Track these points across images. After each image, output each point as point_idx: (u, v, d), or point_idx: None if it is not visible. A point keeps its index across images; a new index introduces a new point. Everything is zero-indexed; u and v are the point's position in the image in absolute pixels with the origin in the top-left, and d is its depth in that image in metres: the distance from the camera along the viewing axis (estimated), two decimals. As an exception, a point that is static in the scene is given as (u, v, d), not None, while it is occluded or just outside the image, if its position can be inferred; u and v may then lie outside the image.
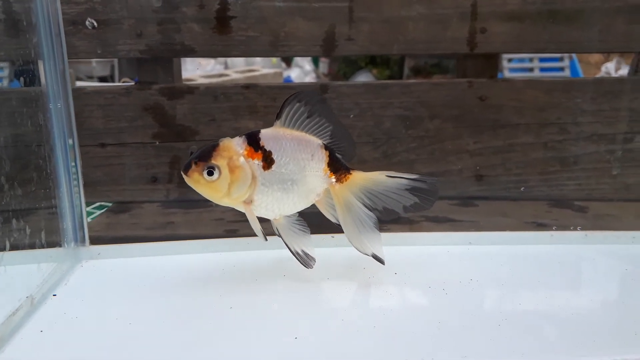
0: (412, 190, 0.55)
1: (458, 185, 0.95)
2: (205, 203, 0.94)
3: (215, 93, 0.94)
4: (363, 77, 2.50)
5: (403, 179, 0.55)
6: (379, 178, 0.56)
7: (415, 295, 0.57)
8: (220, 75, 2.59)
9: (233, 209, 0.92)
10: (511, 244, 0.69)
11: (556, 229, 0.71)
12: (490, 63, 0.94)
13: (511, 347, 0.47)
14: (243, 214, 0.89)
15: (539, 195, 0.94)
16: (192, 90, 0.95)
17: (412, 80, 0.93)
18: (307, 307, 0.55)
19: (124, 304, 0.56)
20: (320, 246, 0.63)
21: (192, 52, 0.93)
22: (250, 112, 0.95)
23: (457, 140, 0.94)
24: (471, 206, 0.93)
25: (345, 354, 0.47)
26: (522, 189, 0.91)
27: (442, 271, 0.63)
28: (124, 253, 0.68)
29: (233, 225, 0.85)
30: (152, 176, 0.97)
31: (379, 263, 0.57)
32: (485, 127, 0.93)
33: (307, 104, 0.56)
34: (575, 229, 0.71)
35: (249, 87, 0.95)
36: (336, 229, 0.71)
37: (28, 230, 0.59)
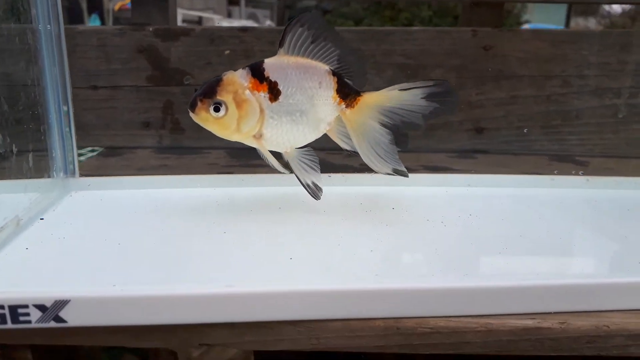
0: (429, 97, 0.52)
1: (458, 137, 0.94)
2: (199, 149, 0.93)
3: (212, 36, 0.92)
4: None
5: (418, 88, 0.52)
6: (391, 94, 0.53)
7: (413, 226, 0.56)
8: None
9: (227, 155, 0.90)
10: (511, 186, 0.68)
11: (557, 173, 0.70)
12: (496, 12, 0.91)
13: (513, 270, 0.46)
14: (238, 159, 0.88)
15: (540, 149, 0.92)
16: (187, 32, 0.92)
17: (415, 28, 0.91)
18: (303, 233, 0.53)
19: (114, 228, 0.54)
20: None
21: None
22: (246, 56, 0.92)
23: (459, 91, 0.92)
24: (471, 159, 0.91)
25: (342, 272, 0.45)
26: (525, 130, 0.89)
27: (440, 208, 0.61)
28: (115, 185, 0.66)
29: (227, 169, 0.83)
30: (144, 121, 0.94)
31: (378, 198, 0.55)
32: (488, 78, 0.91)
33: (311, 28, 0.53)
34: (577, 174, 0.69)
35: (246, 30, 0.92)
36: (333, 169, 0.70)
37: (15, 151, 0.57)
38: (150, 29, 0.92)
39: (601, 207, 0.63)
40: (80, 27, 0.95)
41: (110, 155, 0.91)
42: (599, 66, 0.89)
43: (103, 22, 3.70)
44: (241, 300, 0.40)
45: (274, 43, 0.92)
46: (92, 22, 3.72)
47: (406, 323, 0.41)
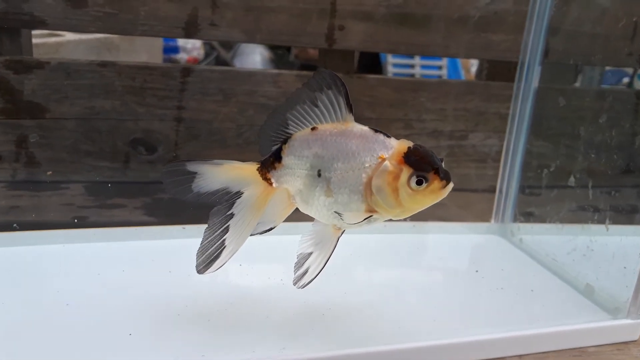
0: None
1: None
2: (54, 185, 0.92)
3: (68, 69, 0.90)
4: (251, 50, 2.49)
5: None
6: None
7: (255, 286, 0.62)
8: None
9: (85, 192, 0.90)
10: (350, 232, 0.76)
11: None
12: (347, 59, 0.99)
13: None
14: (95, 198, 0.88)
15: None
16: (42, 65, 0.89)
17: (276, 71, 0.97)
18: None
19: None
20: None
21: (42, 25, 0.88)
22: (106, 91, 0.92)
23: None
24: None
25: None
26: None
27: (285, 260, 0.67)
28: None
29: (82, 210, 0.83)
30: (-4, 155, 0.90)
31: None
32: (340, 120, 0.99)
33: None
34: (405, 220, 0.80)
35: (106, 65, 0.91)
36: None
37: None
38: (1, 60, 0.88)
39: (422, 252, 0.74)
40: None
41: (-44, 192, 0.87)
42: (435, 112, 1.01)
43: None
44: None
45: (135, 79, 0.93)
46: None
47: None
